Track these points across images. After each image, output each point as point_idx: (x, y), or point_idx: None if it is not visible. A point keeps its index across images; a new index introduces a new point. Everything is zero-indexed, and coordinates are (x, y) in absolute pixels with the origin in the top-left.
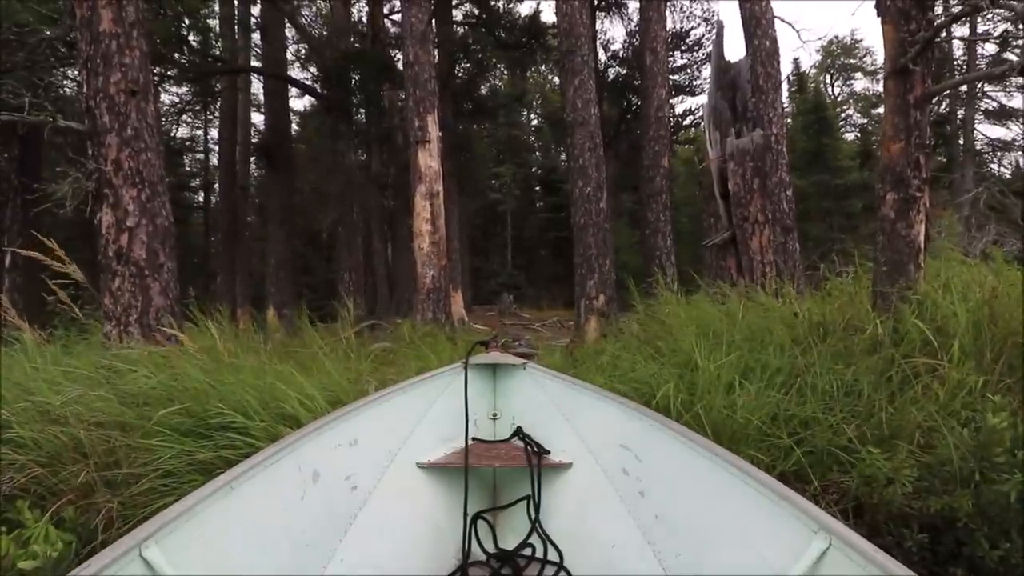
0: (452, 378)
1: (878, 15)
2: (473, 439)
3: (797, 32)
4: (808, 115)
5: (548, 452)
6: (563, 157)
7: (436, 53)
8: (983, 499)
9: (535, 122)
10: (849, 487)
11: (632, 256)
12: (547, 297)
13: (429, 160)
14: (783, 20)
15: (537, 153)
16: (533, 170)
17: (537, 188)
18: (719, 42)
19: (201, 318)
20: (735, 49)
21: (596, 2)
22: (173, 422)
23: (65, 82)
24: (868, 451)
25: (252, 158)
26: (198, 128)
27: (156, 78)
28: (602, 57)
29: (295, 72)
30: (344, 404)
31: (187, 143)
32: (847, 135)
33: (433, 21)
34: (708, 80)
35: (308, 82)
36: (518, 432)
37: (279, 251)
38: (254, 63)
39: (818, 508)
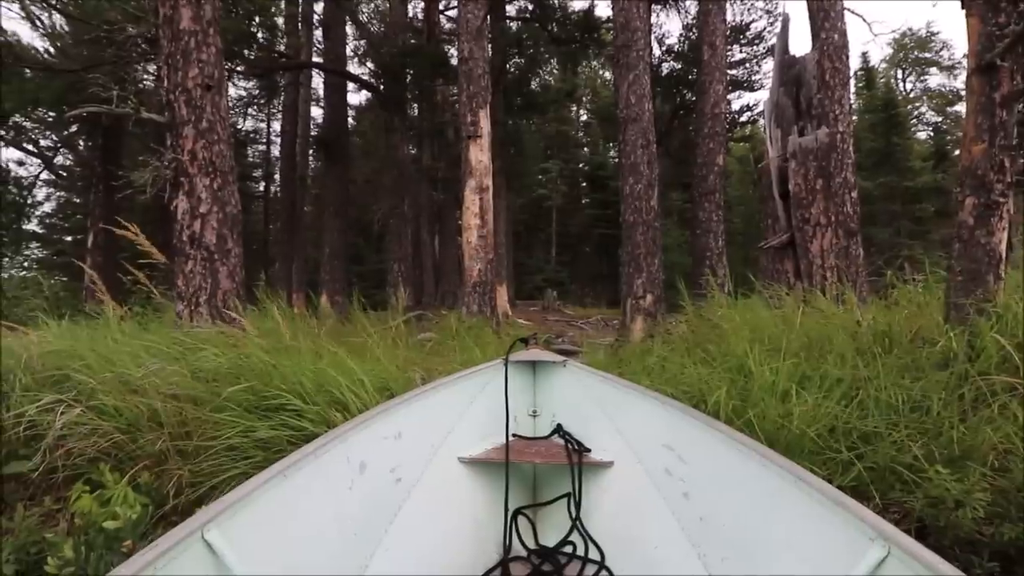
0: (493, 374)
1: (962, 6)
2: (513, 435)
3: (868, 25)
4: (877, 112)
5: (589, 450)
6: (612, 153)
7: (489, 48)
8: None
9: (584, 117)
10: (913, 507)
11: (680, 256)
12: (591, 294)
13: (480, 155)
14: (853, 12)
15: (585, 149)
16: (580, 166)
17: (584, 184)
18: (784, 35)
19: (264, 300)
20: (800, 44)
21: None
22: (239, 398)
23: (146, 76)
24: (936, 471)
25: (311, 151)
26: (262, 121)
27: (226, 73)
28: (656, 52)
29: (353, 68)
30: (391, 391)
31: (251, 135)
32: (919, 134)
33: (488, 17)
34: (769, 75)
35: (366, 77)
36: (558, 429)
37: (333, 240)
38: (316, 59)
39: (875, 515)
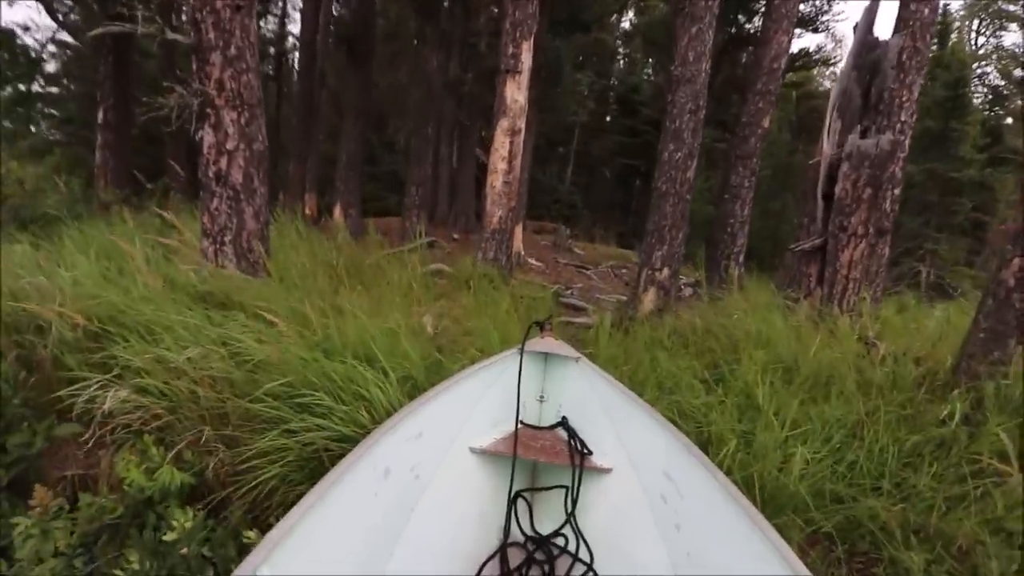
0: (507, 365)
1: None
2: (521, 422)
3: None
4: (942, 90)
5: (591, 452)
6: (648, 71)
7: None
8: None
9: (627, 25)
10: (880, 557)
11: (700, 205)
12: (602, 223)
13: (516, 93)
14: None
15: (622, 63)
16: (612, 82)
17: (614, 106)
18: (872, 9)
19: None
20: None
21: None
22: (276, 391)
23: None
24: (906, 538)
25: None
26: None
27: None
28: None
29: None
30: (413, 379)
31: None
32: (976, 97)
33: None
34: (840, 16)
35: None
36: (563, 422)
37: (351, 149)
38: None
39: None
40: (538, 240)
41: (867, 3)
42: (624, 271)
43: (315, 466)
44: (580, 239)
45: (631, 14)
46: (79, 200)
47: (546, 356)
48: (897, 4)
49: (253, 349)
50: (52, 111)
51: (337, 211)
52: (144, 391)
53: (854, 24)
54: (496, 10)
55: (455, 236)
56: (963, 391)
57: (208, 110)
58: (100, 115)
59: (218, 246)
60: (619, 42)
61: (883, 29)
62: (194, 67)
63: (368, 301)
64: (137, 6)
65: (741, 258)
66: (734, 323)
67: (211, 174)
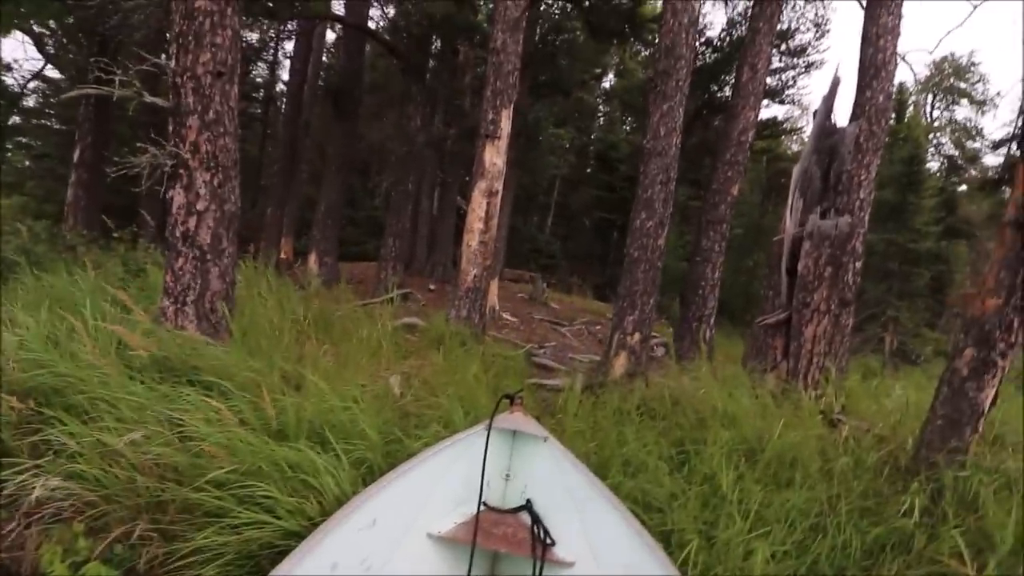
0: (473, 441)
1: (1018, 149)
2: (484, 504)
3: (911, 69)
4: (899, 164)
5: (554, 543)
6: (625, 130)
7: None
8: None
9: (607, 85)
10: None
11: (674, 260)
12: (580, 273)
13: (495, 157)
14: (903, 59)
15: (601, 121)
16: (592, 137)
17: (593, 161)
18: (831, 98)
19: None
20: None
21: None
22: (221, 478)
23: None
24: None
25: (318, 93)
26: (271, 37)
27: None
28: (696, 43)
29: (373, 24)
30: (369, 462)
31: (258, 50)
32: (932, 164)
33: (528, 9)
34: (804, 91)
35: (387, 36)
36: (528, 506)
37: (331, 197)
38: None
39: None
40: (515, 292)
41: (829, 85)
42: (598, 327)
43: (255, 566)
44: (557, 289)
45: (611, 75)
46: (42, 240)
47: (514, 434)
48: (854, 90)
49: (200, 432)
50: (29, 141)
51: (312, 258)
52: (78, 477)
53: (810, 62)
54: (481, 70)
55: (431, 287)
56: (922, 481)
57: (181, 171)
58: (76, 153)
59: (179, 306)
60: (599, 100)
61: (845, 105)
62: (170, 129)
63: (334, 361)
64: (115, 70)
65: (712, 320)
66: (701, 398)
67: (178, 234)
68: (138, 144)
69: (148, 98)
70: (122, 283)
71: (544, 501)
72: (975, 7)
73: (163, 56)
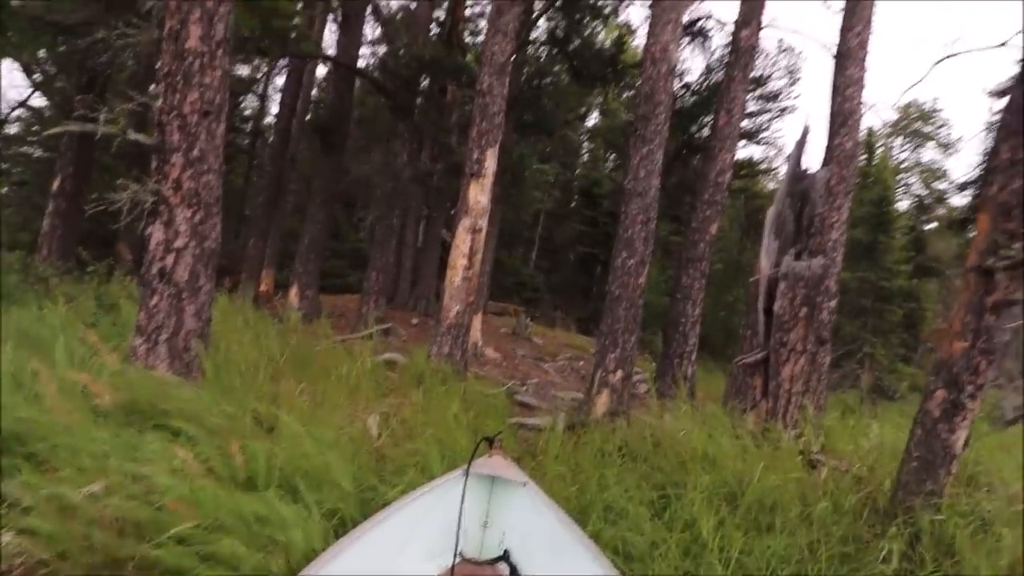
0: (451, 487)
1: (974, 198)
2: (460, 556)
3: (878, 116)
4: (869, 206)
5: None
6: (608, 167)
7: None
8: None
9: (591, 123)
10: None
11: (656, 296)
12: (564, 307)
13: (479, 195)
14: (869, 107)
15: (585, 157)
16: (576, 173)
17: (577, 196)
18: (801, 144)
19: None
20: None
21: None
22: (184, 532)
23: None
24: None
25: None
26: (262, 70)
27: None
28: (675, 85)
29: (362, 62)
30: (339, 512)
31: (249, 83)
32: (902, 203)
33: (515, 55)
34: (778, 133)
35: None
36: (505, 556)
37: (314, 232)
38: (328, 43)
39: None
40: (498, 326)
41: (800, 133)
42: (582, 363)
43: None
44: (541, 322)
45: (595, 114)
46: (14, 271)
47: (493, 479)
48: (825, 137)
49: (163, 484)
50: (8, 167)
51: (293, 291)
52: (33, 532)
53: (783, 108)
54: (468, 108)
55: (414, 321)
56: (900, 525)
57: (161, 207)
58: (56, 182)
59: (151, 345)
60: (584, 138)
61: (818, 150)
62: (154, 165)
63: (310, 400)
64: (101, 106)
65: (693, 356)
66: (682, 439)
67: (155, 271)
68: (119, 180)
69: (132, 135)
70: (94, 319)
71: (523, 550)
72: (934, 64)
73: (152, 87)
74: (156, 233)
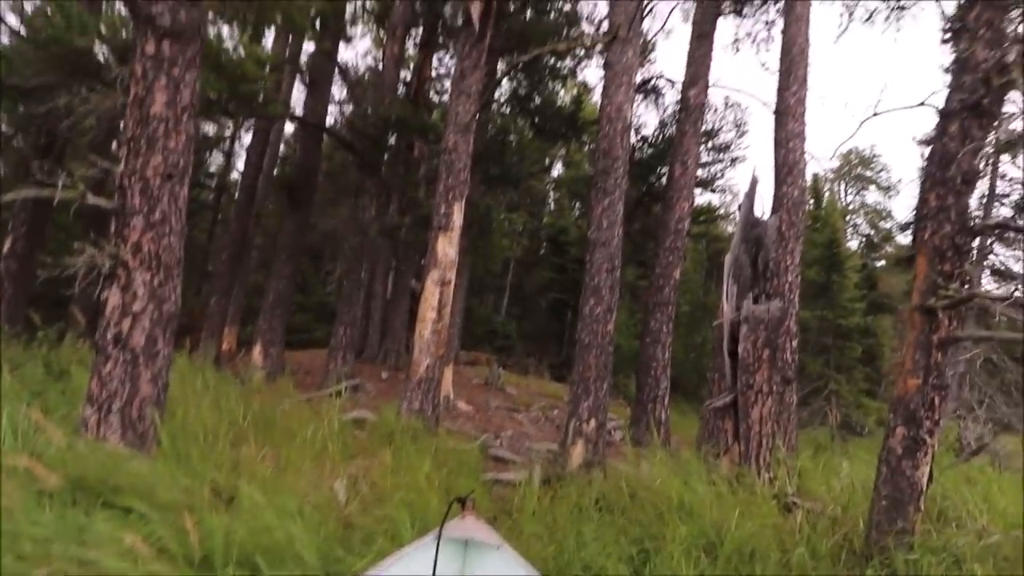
0: (420, 556)
1: (913, 243)
2: None
3: (820, 165)
4: (821, 248)
5: None
6: (574, 215)
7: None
8: None
9: (556, 173)
10: None
11: (627, 339)
12: (536, 354)
13: (448, 248)
14: (812, 156)
15: (551, 205)
16: (543, 221)
17: (545, 243)
18: (751, 195)
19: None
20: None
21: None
22: None
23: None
24: None
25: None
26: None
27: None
28: (632, 138)
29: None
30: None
31: (214, 142)
32: (852, 243)
33: (478, 115)
34: (730, 180)
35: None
36: None
37: (279, 288)
38: (296, 101)
39: None
40: (470, 377)
41: (749, 183)
42: (556, 411)
43: None
44: (514, 370)
45: (560, 165)
46: None
47: (467, 542)
48: (773, 186)
49: (112, 568)
50: None
51: (257, 349)
52: None
53: (733, 157)
54: (435, 162)
55: (384, 375)
56: (876, 566)
57: (119, 271)
58: (8, 243)
59: (103, 415)
60: (549, 187)
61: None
62: (112, 228)
63: (274, 466)
64: (59, 171)
65: (666, 399)
66: (658, 489)
67: (109, 336)
68: (75, 243)
69: (92, 199)
70: (41, 387)
71: None
72: (861, 123)
73: (114, 148)
74: (112, 297)
